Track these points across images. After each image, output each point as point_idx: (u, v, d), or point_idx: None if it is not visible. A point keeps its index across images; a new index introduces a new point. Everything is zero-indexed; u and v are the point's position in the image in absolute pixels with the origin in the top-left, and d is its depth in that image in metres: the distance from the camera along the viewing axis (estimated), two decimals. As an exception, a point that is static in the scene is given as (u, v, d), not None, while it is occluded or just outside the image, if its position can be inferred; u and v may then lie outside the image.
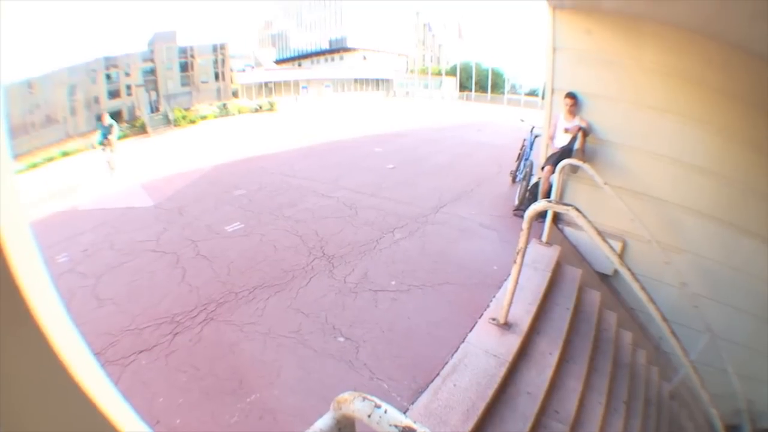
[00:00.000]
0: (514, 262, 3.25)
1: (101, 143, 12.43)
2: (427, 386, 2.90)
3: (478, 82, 45.85)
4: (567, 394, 3.61)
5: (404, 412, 2.49)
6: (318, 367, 3.36)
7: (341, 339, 3.69)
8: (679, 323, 5.46)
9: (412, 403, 2.82)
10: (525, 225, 3.14)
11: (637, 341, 5.36)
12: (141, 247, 6.01)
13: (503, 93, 44.10)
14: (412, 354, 3.48)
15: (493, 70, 45.67)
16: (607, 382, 4.16)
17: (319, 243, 5.77)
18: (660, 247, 5.33)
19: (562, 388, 3.64)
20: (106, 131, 12.44)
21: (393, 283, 4.64)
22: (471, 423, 2.62)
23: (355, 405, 1.20)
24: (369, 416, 1.17)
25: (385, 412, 1.16)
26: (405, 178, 9.34)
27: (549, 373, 3.45)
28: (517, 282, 3.34)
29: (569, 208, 3.07)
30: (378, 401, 1.20)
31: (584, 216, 3.00)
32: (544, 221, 5.25)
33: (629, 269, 3.10)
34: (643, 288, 3.11)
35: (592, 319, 4.53)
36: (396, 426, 1.12)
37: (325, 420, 1.25)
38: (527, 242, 3.22)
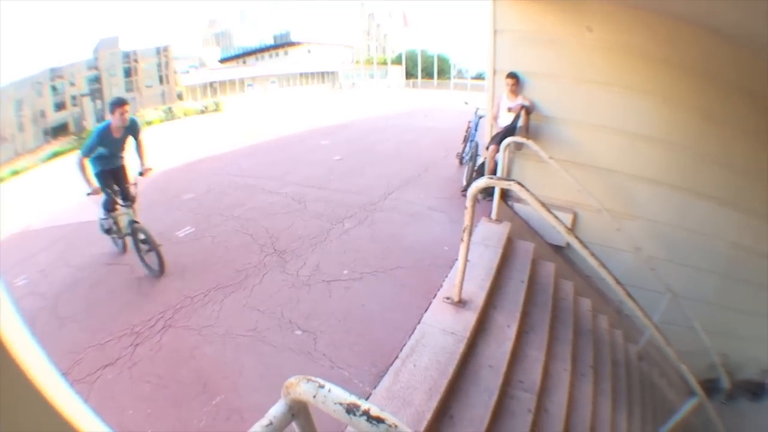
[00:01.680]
0: (461, 240, 3.28)
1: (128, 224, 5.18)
2: (388, 369, 2.92)
3: (424, 69, 45.80)
4: (530, 363, 3.69)
5: (367, 398, 2.52)
6: (278, 362, 3.36)
7: (299, 332, 3.69)
8: (639, 287, 5.64)
9: (374, 388, 2.83)
10: (469, 203, 3.18)
11: (597, 307, 5.52)
12: (96, 261, 5.87)
13: (450, 78, 44.21)
14: (369, 340, 3.51)
15: (439, 56, 45.77)
16: (570, 349, 4.27)
17: (270, 239, 5.71)
18: (611, 216, 5.48)
19: (525, 358, 3.71)
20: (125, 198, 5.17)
21: (345, 272, 4.64)
22: (435, 401, 2.66)
23: (301, 388, 1.21)
24: (314, 397, 1.19)
25: (329, 391, 1.18)
26: (353, 168, 9.32)
27: (509, 345, 3.51)
28: (465, 259, 3.37)
29: (511, 182, 3.12)
30: (322, 381, 1.21)
31: (527, 190, 3.05)
32: (492, 200, 5.33)
33: (576, 236, 3.18)
34: (592, 254, 3.19)
35: (549, 290, 4.63)
36: (340, 404, 1.13)
37: (278, 407, 1.26)
38: (473, 220, 3.25)
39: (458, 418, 2.83)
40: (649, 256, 5.73)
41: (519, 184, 3.08)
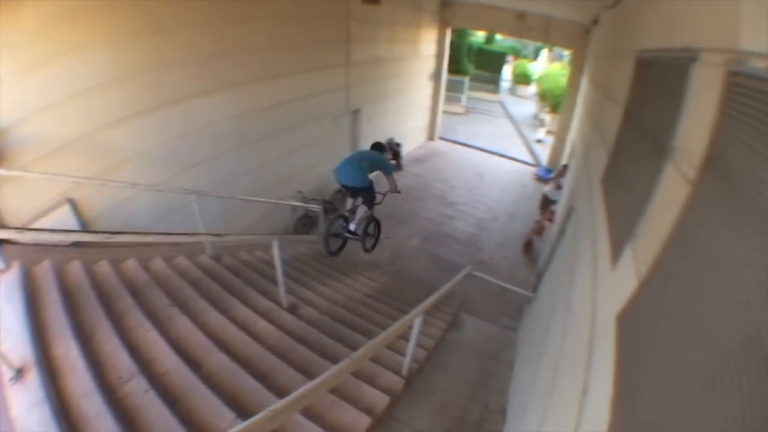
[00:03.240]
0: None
1: None
2: None
3: None
4: (112, 357, 3.64)
5: None
6: None
7: None
8: (177, 209, 6.01)
9: None
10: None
11: (149, 255, 5.45)
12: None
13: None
14: None
15: None
16: (133, 307, 4.30)
17: None
18: (105, 174, 5.48)
19: (106, 358, 3.64)
20: None
21: None
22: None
23: None
24: None
25: None
26: None
27: (80, 363, 3.41)
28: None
29: None
30: None
31: None
32: None
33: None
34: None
35: (85, 285, 4.39)
36: None
37: None
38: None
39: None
40: (150, 183, 5.94)
41: None
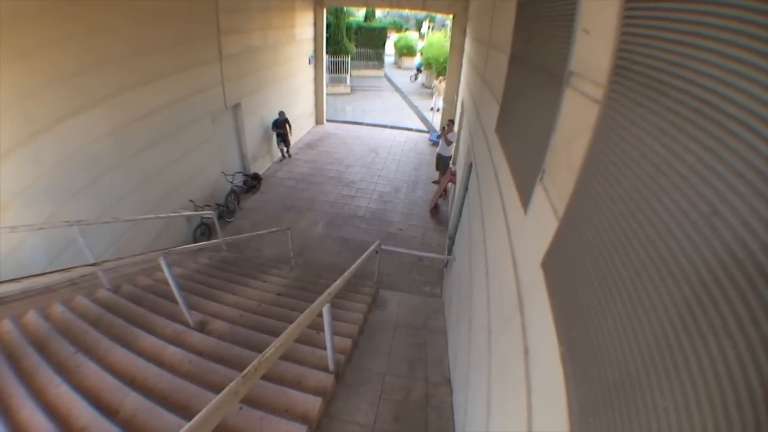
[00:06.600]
0: None
1: None
2: None
3: None
4: (28, 423, 3.21)
5: None
6: None
7: None
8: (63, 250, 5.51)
9: None
10: None
11: (47, 303, 4.92)
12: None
13: None
14: None
15: None
16: (43, 369, 3.80)
17: None
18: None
19: (23, 426, 3.19)
20: None
21: None
22: None
23: None
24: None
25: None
26: None
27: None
28: None
29: None
30: None
31: None
32: None
33: None
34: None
35: None
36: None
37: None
38: None
39: None
40: (28, 224, 5.32)
41: None
